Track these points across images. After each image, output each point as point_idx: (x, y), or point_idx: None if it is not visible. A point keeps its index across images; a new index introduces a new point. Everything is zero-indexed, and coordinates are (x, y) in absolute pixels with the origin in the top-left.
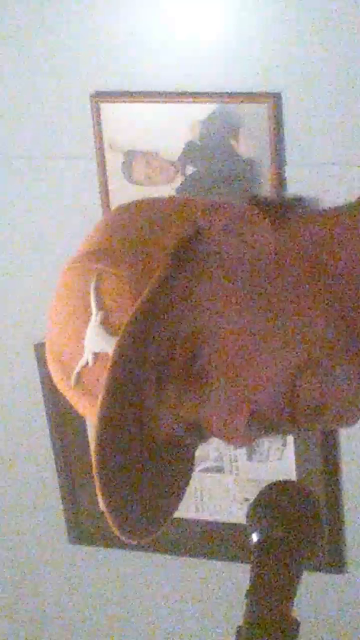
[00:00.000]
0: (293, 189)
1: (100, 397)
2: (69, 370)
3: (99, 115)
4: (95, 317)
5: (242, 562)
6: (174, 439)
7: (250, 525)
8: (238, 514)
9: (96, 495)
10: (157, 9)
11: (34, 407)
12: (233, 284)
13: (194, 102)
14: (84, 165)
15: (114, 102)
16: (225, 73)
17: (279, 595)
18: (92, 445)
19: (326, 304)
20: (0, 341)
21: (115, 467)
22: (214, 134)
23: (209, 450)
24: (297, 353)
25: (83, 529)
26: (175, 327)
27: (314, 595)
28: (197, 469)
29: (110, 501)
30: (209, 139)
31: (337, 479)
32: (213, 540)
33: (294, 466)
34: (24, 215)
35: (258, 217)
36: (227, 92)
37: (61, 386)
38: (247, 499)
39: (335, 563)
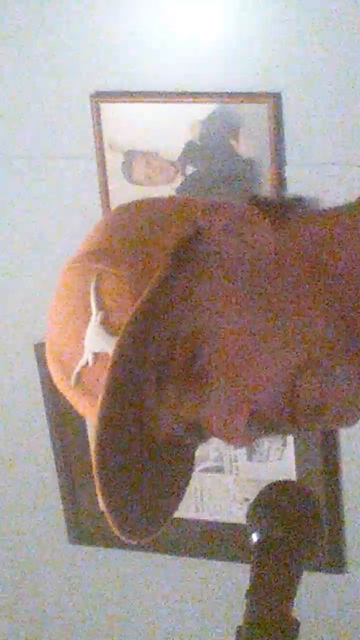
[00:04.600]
0: (293, 189)
1: (100, 397)
2: (69, 370)
3: (99, 115)
4: (95, 317)
5: (242, 562)
6: (174, 439)
7: (250, 525)
8: (238, 514)
9: (96, 495)
10: (157, 9)
11: (34, 407)
12: (233, 284)
13: (194, 102)
14: (84, 165)
15: (114, 102)
16: (225, 73)
17: (279, 595)
18: (92, 445)
19: (326, 304)
20: (0, 341)
21: (115, 467)
22: (214, 134)
23: (209, 450)
24: (297, 353)
25: (83, 529)
26: (175, 327)
27: (314, 595)
28: (197, 469)
29: (110, 501)
30: (209, 139)
31: (337, 479)
32: (213, 540)
33: (294, 466)
34: (24, 215)
35: (258, 217)
36: (227, 92)
37: (61, 386)
38: (247, 499)
39: (335, 563)
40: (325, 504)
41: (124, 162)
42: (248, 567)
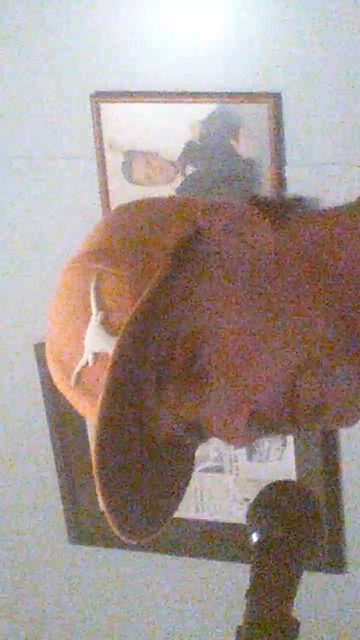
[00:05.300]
0: (293, 189)
1: (100, 397)
2: (69, 370)
3: (99, 115)
4: (95, 317)
5: (242, 562)
6: (174, 439)
7: (250, 525)
8: (238, 514)
9: (96, 495)
10: (157, 9)
11: (34, 407)
12: (233, 284)
13: (194, 102)
14: (84, 165)
15: (114, 102)
16: (225, 73)
17: (279, 595)
18: (92, 445)
19: (326, 304)
20: (0, 341)
21: (115, 467)
22: (214, 134)
23: (209, 450)
24: (297, 353)
25: (83, 529)
26: (175, 327)
27: (314, 595)
28: (197, 469)
29: (110, 501)
30: (209, 139)
31: (337, 479)
32: (213, 540)
33: (294, 466)
34: (24, 215)
35: (258, 217)
36: (227, 92)
37: (61, 386)
38: (247, 499)
39: (335, 563)
40: (325, 504)
41: (124, 162)
42: (248, 567)
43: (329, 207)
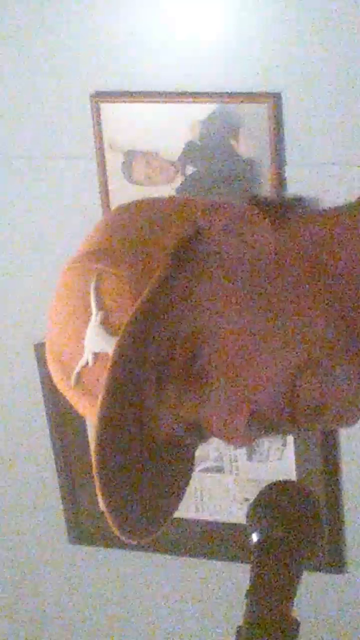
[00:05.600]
0: (293, 189)
1: (100, 397)
2: (69, 370)
3: (99, 115)
4: (95, 317)
5: (242, 562)
6: (174, 439)
7: (250, 525)
8: (238, 514)
9: (96, 495)
10: (157, 9)
11: (34, 407)
12: (233, 284)
13: (194, 102)
14: (84, 165)
15: (114, 102)
16: (225, 73)
17: (279, 595)
18: (92, 445)
19: (326, 304)
20: (0, 341)
21: (115, 467)
22: (214, 134)
23: (209, 450)
24: (297, 353)
25: (83, 529)
26: (175, 327)
27: (314, 595)
28: (197, 469)
29: (110, 501)
30: (209, 139)
31: (337, 479)
32: (213, 540)
33: (294, 466)
34: (24, 215)
35: (258, 217)
36: (227, 92)
37: (61, 386)
38: (247, 499)
39: (335, 563)
40: (325, 504)
41: (124, 162)
42: (248, 567)
43: (329, 207)
